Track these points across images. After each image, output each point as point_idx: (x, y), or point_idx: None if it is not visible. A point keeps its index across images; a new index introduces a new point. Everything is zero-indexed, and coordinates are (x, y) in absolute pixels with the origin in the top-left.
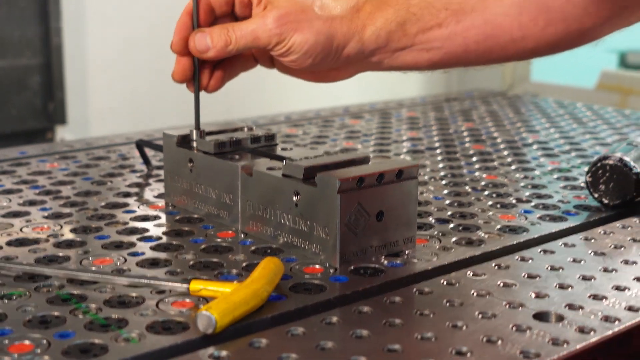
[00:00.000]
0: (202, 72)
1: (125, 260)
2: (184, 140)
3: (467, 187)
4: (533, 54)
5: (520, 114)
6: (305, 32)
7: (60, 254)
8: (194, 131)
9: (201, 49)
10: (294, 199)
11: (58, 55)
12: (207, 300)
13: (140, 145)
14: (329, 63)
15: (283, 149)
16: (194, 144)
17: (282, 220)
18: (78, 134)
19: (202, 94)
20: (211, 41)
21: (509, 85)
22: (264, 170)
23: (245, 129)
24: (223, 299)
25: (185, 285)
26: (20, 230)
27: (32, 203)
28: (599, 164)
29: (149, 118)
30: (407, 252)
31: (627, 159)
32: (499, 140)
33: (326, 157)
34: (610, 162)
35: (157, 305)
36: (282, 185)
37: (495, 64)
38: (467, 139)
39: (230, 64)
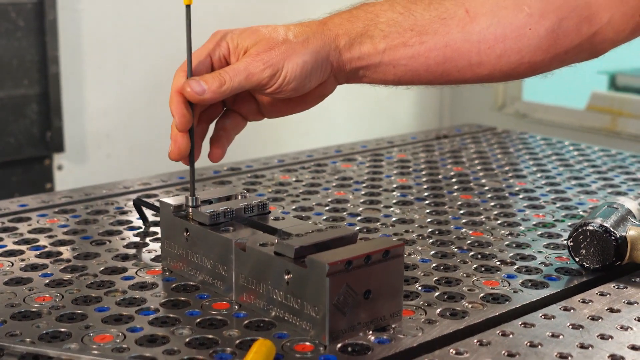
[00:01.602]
0: (198, 144)
1: (125, 337)
2: (180, 209)
3: (453, 247)
4: (488, 80)
5: (508, 154)
6: (293, 57)
7: (62, 329)
8: (189, 198)
9: (197, 91)
10: (285, 277)
11: (55, 83)
12: None
13: (138, 204)
14: (319, 78)
15: (275, 219)
16: (190, 212)
17: (274, 296)
18: (75, 161)
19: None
20: (205, 84)
21: (500, 105)
22: (257, 247)
23: (239, 197)
24: None
25: None
26: (24, 300)
27: (33, 267)
28: (580, 230)
29: (146, 143)
30: (393, 325)
31: (606, 224)
32: (486, 187)
33: (316, 235)
34: (591, 228)
35: None
36: (274, 263)
37: (453, 85)
38: (455, 187)
39: (223, 129)
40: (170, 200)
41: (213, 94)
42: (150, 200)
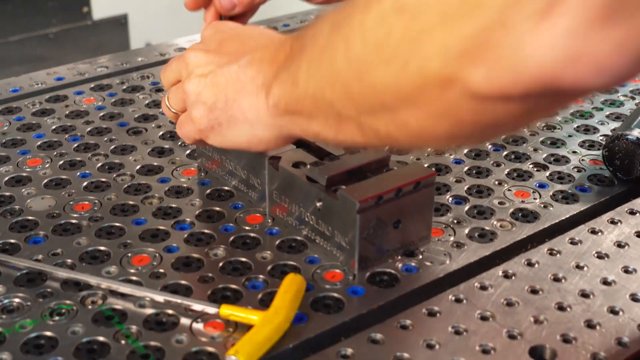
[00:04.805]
0: None
1: (161, 259)
2: None
3: (487, 144)
4: None
5: None
6: None
7: (102, 248)
8: None
9: (227, 8)
10: (317, 204)
11: None
12: (236, 324)
13: None
14: None
15: None
16: None
17: (306, 218)
18: None
19: None
20: None
21: None
22: (290, 169)
23: None
24: (249, 339)
25: (215, 309)
26: (63, 209)
27: (72, 164)
28: (616, 141)
29: None
30: (422, 249)
31: None
32: None
33: (348, 160)
34: (627, 139)
35: (190, 327)
36: (306, 188)
37: None
38: None
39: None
40: None
41: (244, 7)
42: None
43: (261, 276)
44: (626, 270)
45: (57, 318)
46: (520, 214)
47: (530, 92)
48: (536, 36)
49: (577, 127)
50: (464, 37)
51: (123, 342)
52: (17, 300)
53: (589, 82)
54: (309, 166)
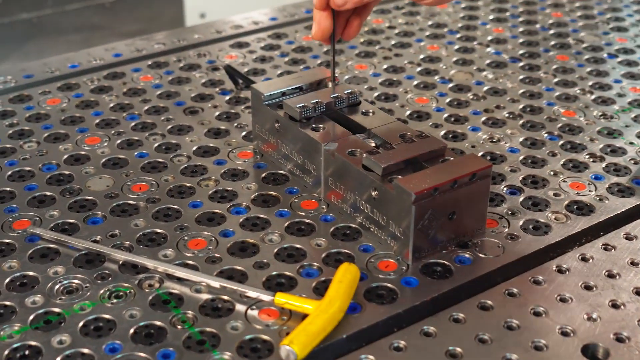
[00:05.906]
0: (339, 22)
1: (217, 243)
2: (272, 97)
3: (543, 132)
4: None
5: None
6: None
7: (159, 230)
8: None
9: (339, 4)
10: (372, 193)
11: None
12: (290, 312)
13: (229, 71)
14: None
15: (364, 114)
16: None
17: (361, 206)
18: None
19: None
20: None
21: None
22: (346, 157)
23: (330, 84)
24: (303, 329)
25: (270, 297)
26: (121, 189)
27: (129, 144)
28: None
29: None
30: (476, 241)
31: None
32: (584, 45)
33: (405, 149)
34: None
35: (246, 314)
36: (361, 177)
37: None
38: (552, 42)
39: (364, 8)
40: (262, 87)
41: (355, 3)
42: (241, 59)
43: (315, 264)
44: None
45: (115, 301)
46: (575, 207)
47: None
48: None
49: (635, 117)
50: None
51: (179, 327)
52: (76, 281)
53: None
54: (365, 154)
